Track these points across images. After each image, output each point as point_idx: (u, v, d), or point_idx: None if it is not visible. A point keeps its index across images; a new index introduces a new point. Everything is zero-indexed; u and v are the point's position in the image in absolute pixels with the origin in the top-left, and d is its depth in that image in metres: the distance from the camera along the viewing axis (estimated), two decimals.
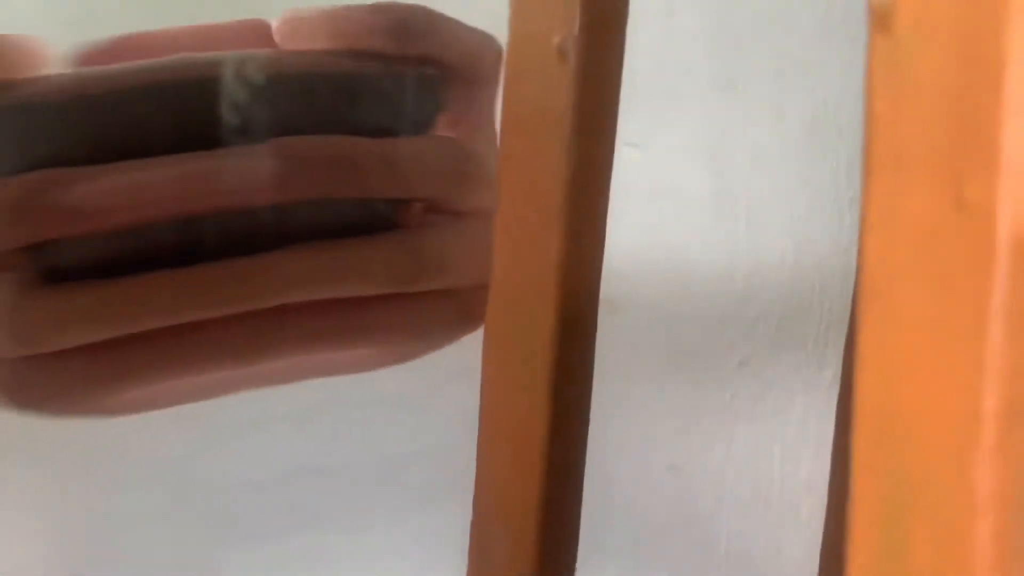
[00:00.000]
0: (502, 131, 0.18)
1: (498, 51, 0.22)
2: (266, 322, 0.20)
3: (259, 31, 0.22)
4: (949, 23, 0.10)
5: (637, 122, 0.37)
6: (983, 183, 0.09)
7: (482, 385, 0.22)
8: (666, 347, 0.41)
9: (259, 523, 0.33)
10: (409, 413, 0.37)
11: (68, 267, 0.20)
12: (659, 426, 0.42)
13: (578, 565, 0.22)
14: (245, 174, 0.19)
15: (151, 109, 0.20)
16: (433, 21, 0.21)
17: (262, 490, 0.32)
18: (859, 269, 0.11)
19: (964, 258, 0.10)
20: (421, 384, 0.34)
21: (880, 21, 0.10)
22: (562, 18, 0.16)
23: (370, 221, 0.21)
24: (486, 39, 0.22)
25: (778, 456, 0.43)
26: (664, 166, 0.40)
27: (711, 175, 0.40)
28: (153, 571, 0.31)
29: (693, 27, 0.39)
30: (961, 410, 0.10)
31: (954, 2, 0.10)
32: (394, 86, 0.21)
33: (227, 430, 0.32)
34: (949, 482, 0.10)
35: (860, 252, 0.11)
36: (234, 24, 0.22)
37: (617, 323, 0.38)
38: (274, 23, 0.22)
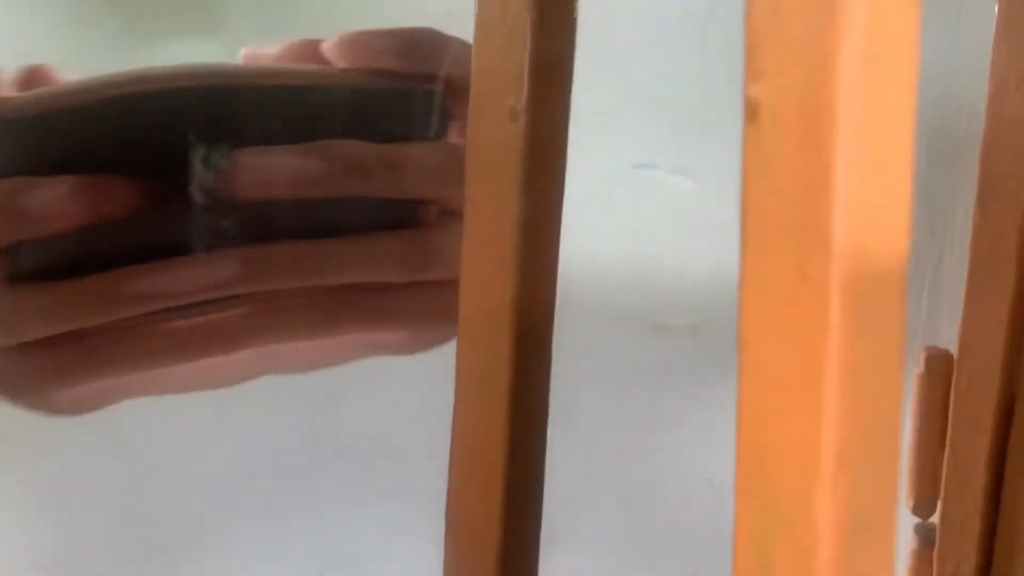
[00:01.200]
0: (466, 179, 0.20)
1: None
2: (261, 309, 0.23)
3: (311, 51, 0.25)
4: (795, 119, 0.11)
5: (688, 151, 0.39)
6: (820, 260, 0.11)
7: (454, 405, 0.24)
8: (720, 365, 0.43)
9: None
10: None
11: (37, 267, 0.22)
12: (697, 439, 0.43)
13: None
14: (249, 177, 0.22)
15: (120, 121, 0.22)
16: (441, 42, 0.24)
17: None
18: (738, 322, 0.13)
19: (808, 322, 0.11)
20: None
21: (750, 112, 0.12)
22: (514, 85, 0.18)
23: (390, 221, 0.24)
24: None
25: None
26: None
27: None
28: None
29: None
30: (806, 448, 0.11)
31: (798, 102, 0.11)
32: (404, 100, 0.23)
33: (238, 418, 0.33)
34: (798, 512, 0.12)
35: (738, 309, 0.13)
36: (294, 46, 0.25)
37: (684, 344, 0.40)
38: (323, 44, 0.24)
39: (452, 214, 0.25)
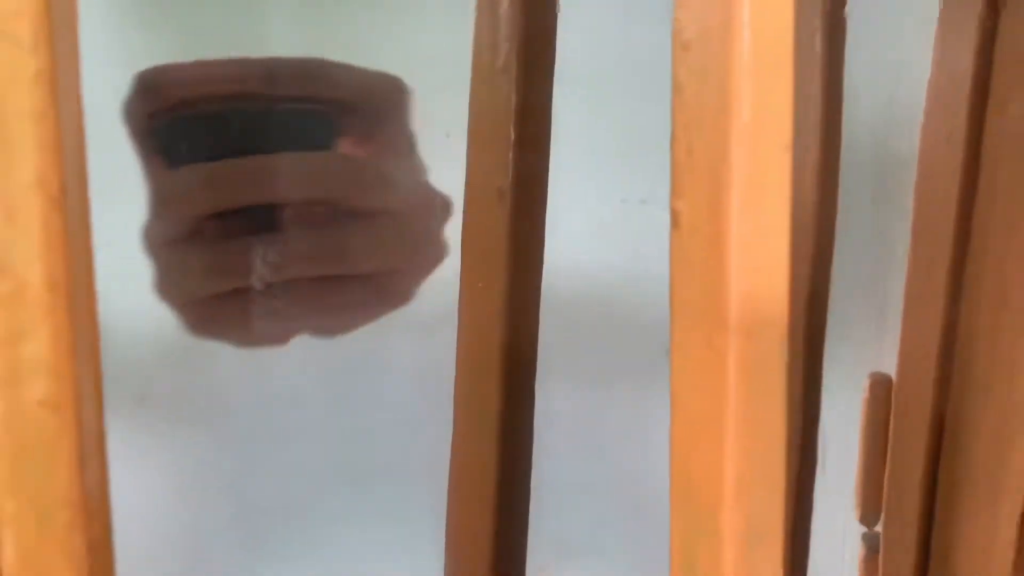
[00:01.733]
0: (464, 248, 0.24)
1: (399, 87, 0.29)
2: None
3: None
4: (704, 227, 0.15)
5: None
6: (721, 336, 0.15)
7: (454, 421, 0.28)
8: None
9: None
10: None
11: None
12: None
13: None
14: None
15: None
16: (320, 69, 0.28)
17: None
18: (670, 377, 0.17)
19: (714, 381, 0.15)
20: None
21: (674, 220, 0.16)
22: (501, 172, 0.22)
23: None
24: (384, 80, 0.29)
25: None
26: None
27: None
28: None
29: None
30: (715, 475, 0.15)
31: (706, 215, 0.15)
32: (269, 118, 0.28)
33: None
34: (712, 525, 0.16)
35: (670, 370, 0.17)
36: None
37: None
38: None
39: (351, 213, 0.29)
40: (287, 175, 0.27)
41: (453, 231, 0.26)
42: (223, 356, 0.30)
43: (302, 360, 0.32)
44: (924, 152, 0.33)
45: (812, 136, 0.30)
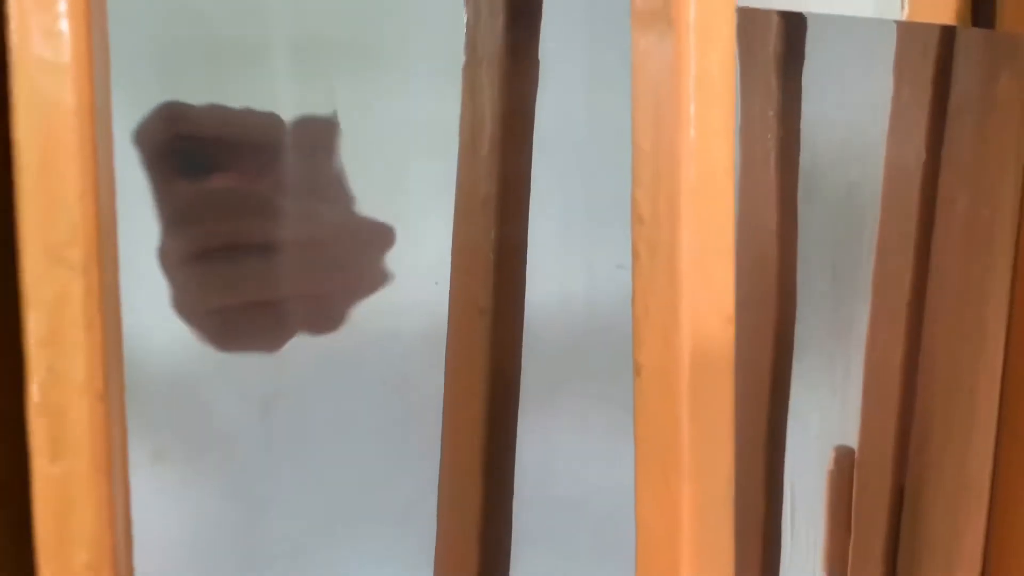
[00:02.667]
0: (452, 305, 0.26)
1: (279, 126, 0.32)
2: None
3: None
4: (659, 376, 0.17)
5: None
6: (675, 475, 0.17)
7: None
8: None
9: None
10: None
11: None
12: None
13: None
14: None
15: None
16: (182, 111, 0.30)
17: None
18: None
19: (657, 512, 0.17)
20: None
21: (636, 370, 0.18)
22: (483, 292, 0.24)
23: None
24: (266, 119, 0.32)
25: None
26: None
27: None
28: None
29: None
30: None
31: (661, 367, 0.17)
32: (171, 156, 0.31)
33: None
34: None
35: (635, 499, 0.19)
36: None
37: None
38: None
39: (237, 247, 0.31)
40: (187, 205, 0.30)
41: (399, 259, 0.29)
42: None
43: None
44: (881, 241, 0.36)
45: (769, 232, 0.33)
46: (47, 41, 0.13)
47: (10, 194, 0.14)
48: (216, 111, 0.29)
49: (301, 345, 0.31)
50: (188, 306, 0.29)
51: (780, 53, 0.27)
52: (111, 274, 0.14)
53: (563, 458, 0.39)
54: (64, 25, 0.13)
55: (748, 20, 0.26)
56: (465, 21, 0.23)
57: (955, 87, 0.33)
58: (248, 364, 0.31)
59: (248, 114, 0.29)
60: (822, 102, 0.34)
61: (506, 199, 0.25)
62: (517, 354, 0.25)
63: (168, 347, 0.30)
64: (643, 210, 0.18)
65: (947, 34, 0.30)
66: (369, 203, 0.31)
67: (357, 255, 0.30)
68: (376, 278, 0.31)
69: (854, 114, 0.40)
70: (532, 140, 0.25)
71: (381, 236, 0.30)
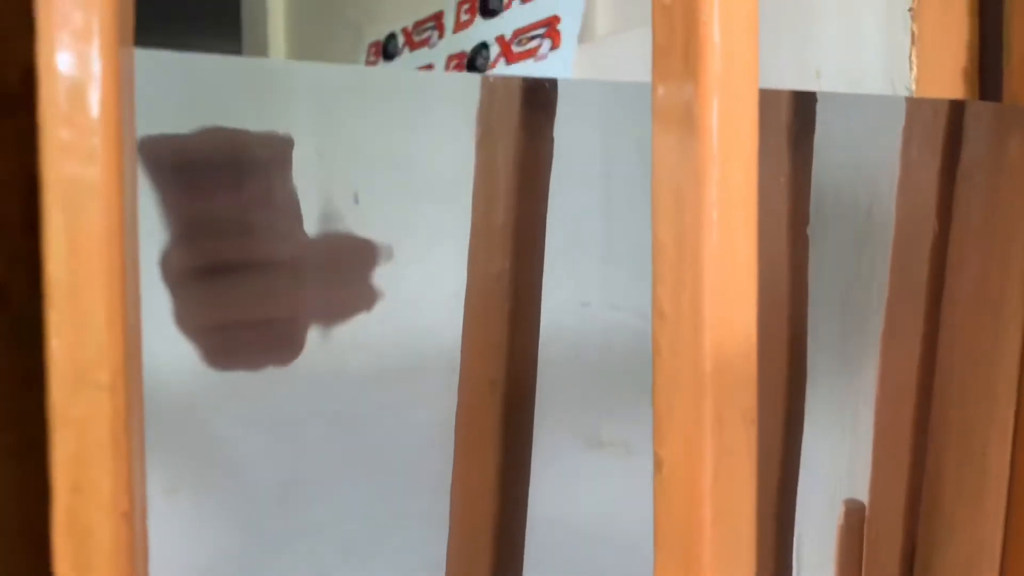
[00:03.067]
0: (455, 431, 0.26)
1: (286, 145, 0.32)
2: None
3: None
4: (682, 476, 0.17)
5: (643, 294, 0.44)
6: (696, 570, 0.17)
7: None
8: None
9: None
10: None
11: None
12: None
13: None
14: None
15: None
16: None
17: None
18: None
19: None
20: None
21: (657, 465, 0.18)
22: (494, 363, 0.24)
23: None
24: (273, 139, 0.32)
25: None
26: None
27: None
28: None
29: None
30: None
31: (682, 465, 0.17)
32: None
33: None
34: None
35: None
36: None
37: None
38: None
39: (239, 265, 0.32)
40: None
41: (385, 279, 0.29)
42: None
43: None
44: (890, 305, 0.36)
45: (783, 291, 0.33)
46: (80, 164, 0.13)
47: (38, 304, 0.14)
48: (219, 132, 0.29)
49: (313, 369, 0.31)
50: (191, 323, 0.29)
51: (791, 127, 0.27)
52: (136, 391, 0.14)
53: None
54: (96, 149, 0.13)
55: (760, 99, 0.26)
56: (479, 99, 0.23)
57: (964, 154, 0.33)
58: (261, 388, 0.31)
59: (251, 135, 0.29)
60: (832, 169, 0.34)
61: (521, 273, 0.25)
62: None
63: (175, 369, 0.30)
64: (665, 306, 0.18)
65: (956, 107, 0.31)
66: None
67: (350, 273, 0.30)
68: (367, 296, 0.30)
69: (864, 177, 0.41)
70: (546, 215, 0.26)
71: (374, 253, 0.30)
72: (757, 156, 0.16)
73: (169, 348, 0.27)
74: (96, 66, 0.13)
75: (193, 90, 0.19)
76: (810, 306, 0.36)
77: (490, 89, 0.22)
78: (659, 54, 0.17)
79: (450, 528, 0.26)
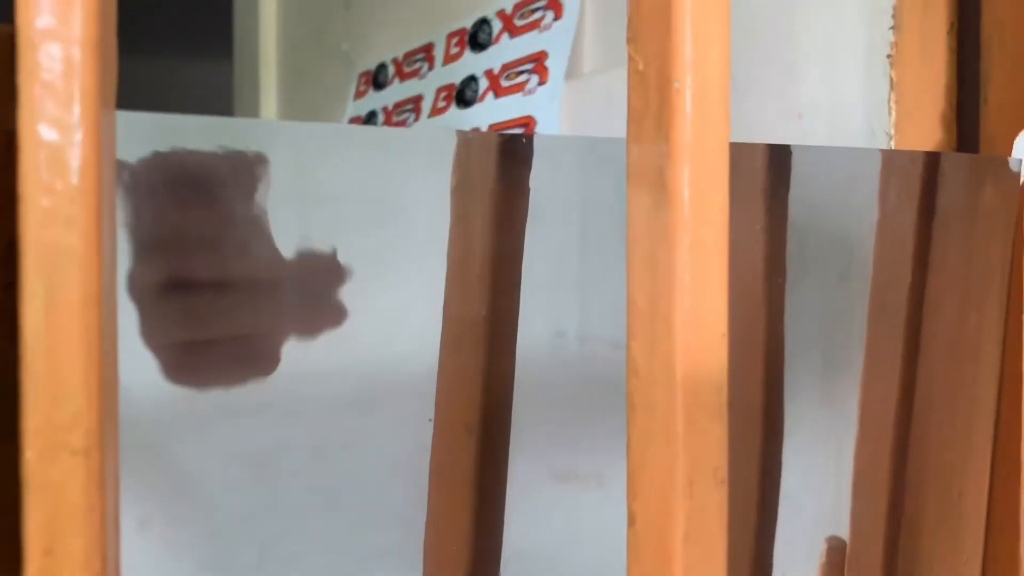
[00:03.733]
0: (430, 474, 0.26)
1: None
2: None
3: None
4: (654, 529, 0.18)
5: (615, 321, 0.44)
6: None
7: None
8: None
9: None
10: None
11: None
12: None
13: None
14: None
15: None
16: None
17: None
18: None
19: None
20: None
21: (630, 520, 0.18)
22: (469, 408, 0.24)
23: None
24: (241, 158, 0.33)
25: None
26: None
27: None
28: None
29: None
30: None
31: (654, 519, 0.17)
32: None
33: None
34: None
35: None
36: None
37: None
38: None
39: (201, 282, 0.32)
40: None
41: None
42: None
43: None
44: (869, 347, 0.36)
45: (757, 344, 0.33)
46: (59, 231, 0.13)
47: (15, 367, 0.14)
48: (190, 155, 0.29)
49: (285, 400, 0.30)
50: (156, 339, 0.28)
51: (767, 178, 0.28)
52: (112, 453, 0.14)
53: None
54: (76, 216, 0.13)
55: (736, 152, 0.27)
56: (454, 151, 0.23)
57: (940, 200, 0.34)
58: (234, 418, 0.30)
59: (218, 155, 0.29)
60: (814, 214, 0.34)
61: (496, 319, 0.25)
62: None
63: (145, 396, 0.30)
64: (639, 365, 0.18)
65: (932, 157, 0.31)
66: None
67: (311, 292, 0.30)
68: (333, 315, 0.30)
69: (844, 223, 0.41)
70: (522, 263, 0.26)
71: (335, 273, 0.30)
72: (727, 219, 0.16)
73: (138, 375, 0.27)
74: (77, 134, 0.14)
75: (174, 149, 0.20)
76: (793, 346, 0.37)
77: (466, 142, 0.23)
78: (633, 117, 0.18)
79: (424, 568, 0.26)
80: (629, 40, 0.18)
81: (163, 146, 0.19)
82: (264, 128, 0.21)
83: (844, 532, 0.40)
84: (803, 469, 0.37)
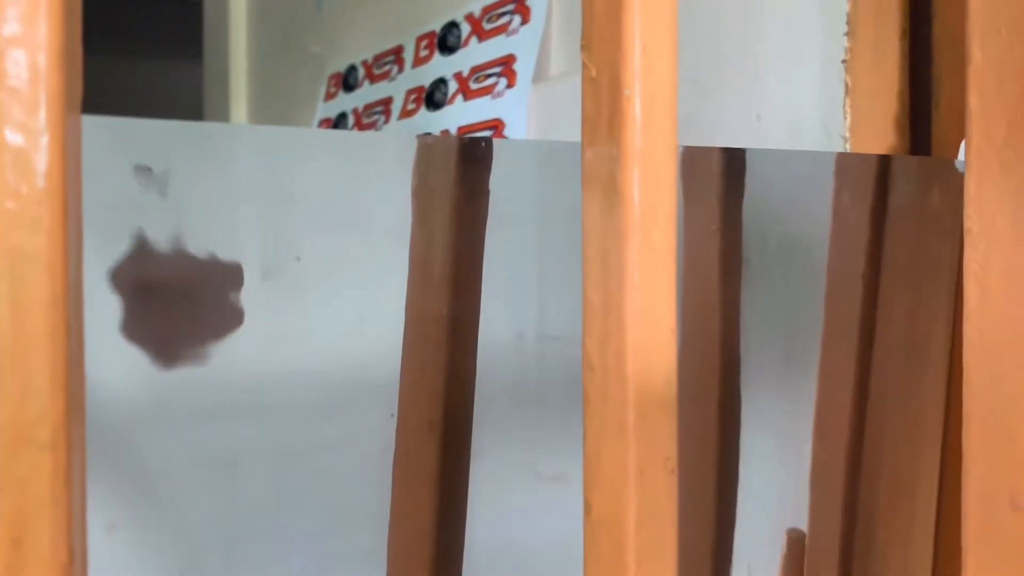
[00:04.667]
0: (393, 468, 0.26)
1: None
2: None
3: None
4: (608, 518, 0.18)
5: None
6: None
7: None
8: None
9: None
10: None
11: None
12: None
13: None
14: None
15: None
16: None
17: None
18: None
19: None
20: None
21: (586, 509, 0.19)
22: (431, 403, 0.25)
23: None
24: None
25: None
26: None
27: None
28: None
29: None
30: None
31: (612, 505, 0.18)
32: None
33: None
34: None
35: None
36: None
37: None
38: None
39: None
40: None
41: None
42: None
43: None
44: (826, 341, 0.37)
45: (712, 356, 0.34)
46: (25, 234, 0.14)
47: None
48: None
49: (251, 404, 0.31)
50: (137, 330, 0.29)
51: (722, 181, 0.29)
52: (79, 448, 0.14)
53: None
54: (42, 219, 0.14)
55: (693, 155, 0.28)
56: (415, 155, 0.24)
57: (891, 201, 0.35)
58: (200, 419, 0.30)
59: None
60: (765, 215, 0.35)
61: (457, 318, 0.26)
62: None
63: (112, 395, 0.29)
64: (593, 360, 0.18)
65: (883, 160, 0.32)
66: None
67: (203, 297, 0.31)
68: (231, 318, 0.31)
69: (800, 222, 0.42)
70: (482, 264, 0.26)
71: (231, 276, 0.31)
72: (675, 220, 0.17)
73: (108, 373, 0.27)
74: (43, 138, 0.14)
75: (140, 153, 0.20)
76: (751, 342, 0.38)
77: (427, 146, 0.23)
78: (587, 122, 0.18)
79: (388, 568, 0.27)
80: (583, 48, 0.19)
81: (130, 154, 0.20)
82: (229, 132, 0.22)
83: (804, 524, 0.41)
84: (763, 463, 0.38)
